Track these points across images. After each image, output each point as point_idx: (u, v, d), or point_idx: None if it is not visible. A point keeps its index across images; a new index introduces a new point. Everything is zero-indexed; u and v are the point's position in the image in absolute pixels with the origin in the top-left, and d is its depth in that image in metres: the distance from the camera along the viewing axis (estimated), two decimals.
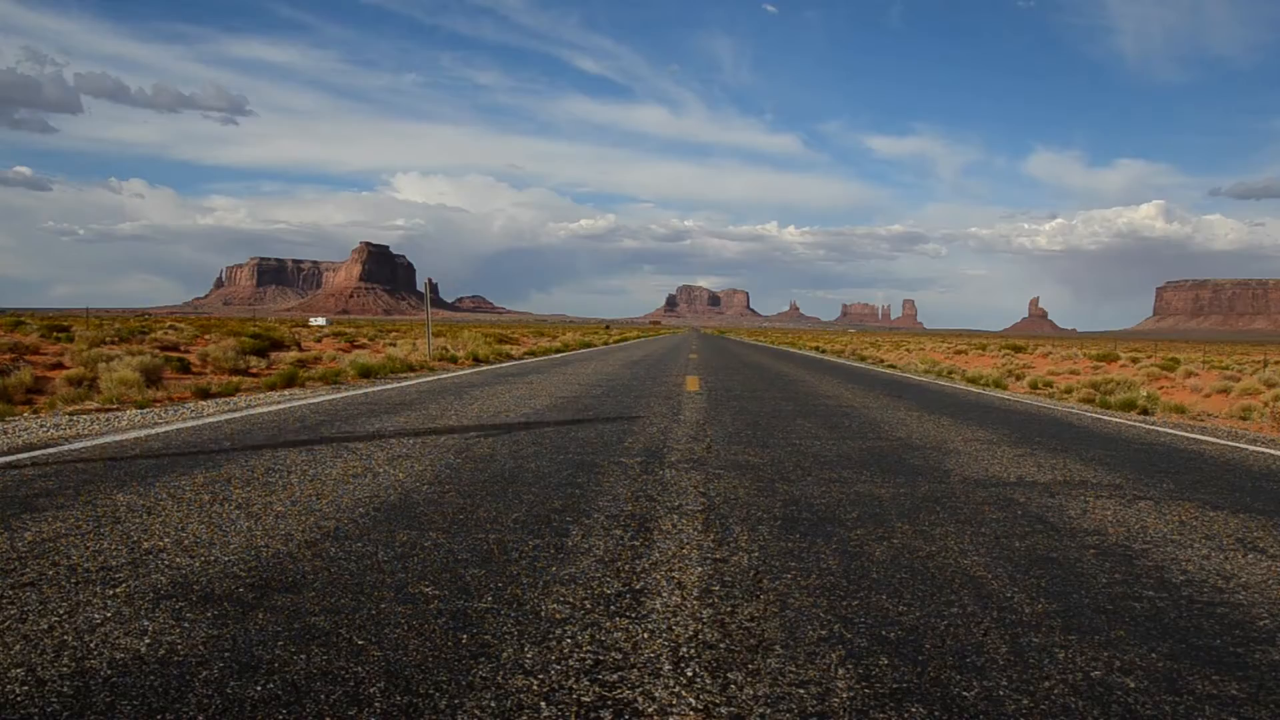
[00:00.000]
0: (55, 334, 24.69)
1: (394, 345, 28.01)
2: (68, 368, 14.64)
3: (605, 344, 48.88)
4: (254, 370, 17.12)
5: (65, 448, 6.05)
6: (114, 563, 3.30)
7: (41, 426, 7.49)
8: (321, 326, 64.32)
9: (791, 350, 48.91)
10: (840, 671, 2.44)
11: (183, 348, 22.11)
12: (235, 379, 13.70)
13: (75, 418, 8.21)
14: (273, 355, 21.21)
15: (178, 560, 3.35)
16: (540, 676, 2.36)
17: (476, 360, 22.59)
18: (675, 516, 4.31)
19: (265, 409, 8.93)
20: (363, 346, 29.58)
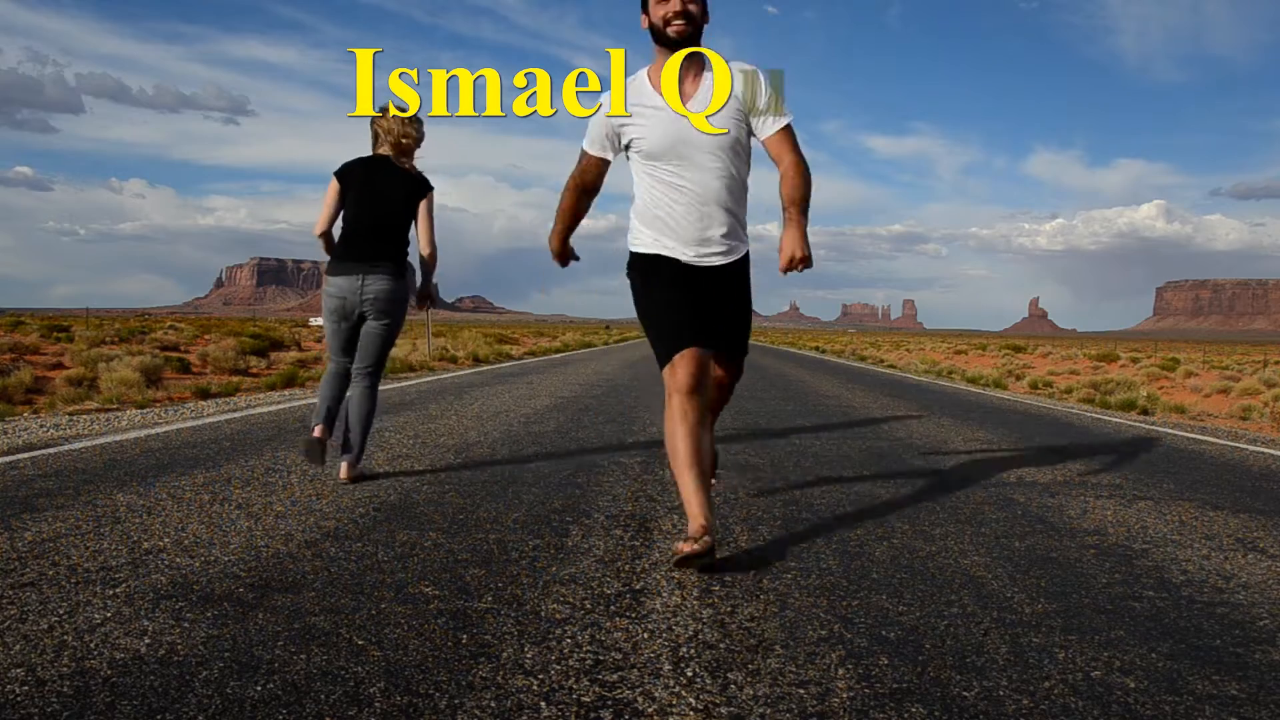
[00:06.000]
0: (55, 334, 24.73)
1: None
2: (68, 368, 14.64)
3: (605, 344, 48.91)
4: (254, 370, 17.13)
5: (65, 448, 6.05)
6: (114, 563, 3.30)
7: (41, 426, 7.50)
8: (322, 326, 64.37)
9: (792, 350, 48.96)
10: (840, 671, 2.44)
11: (183, 348, 22.15)
12: (235, 379, 13.71)
13: (75, 418, 8.21)
14: (273, 355, 21.23)
15: (178, 560, 3.35)
16: (540, 676, 2.36)
17: (476, 360, 22.60)
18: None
19: (265, 409, 8.93)
20: None
